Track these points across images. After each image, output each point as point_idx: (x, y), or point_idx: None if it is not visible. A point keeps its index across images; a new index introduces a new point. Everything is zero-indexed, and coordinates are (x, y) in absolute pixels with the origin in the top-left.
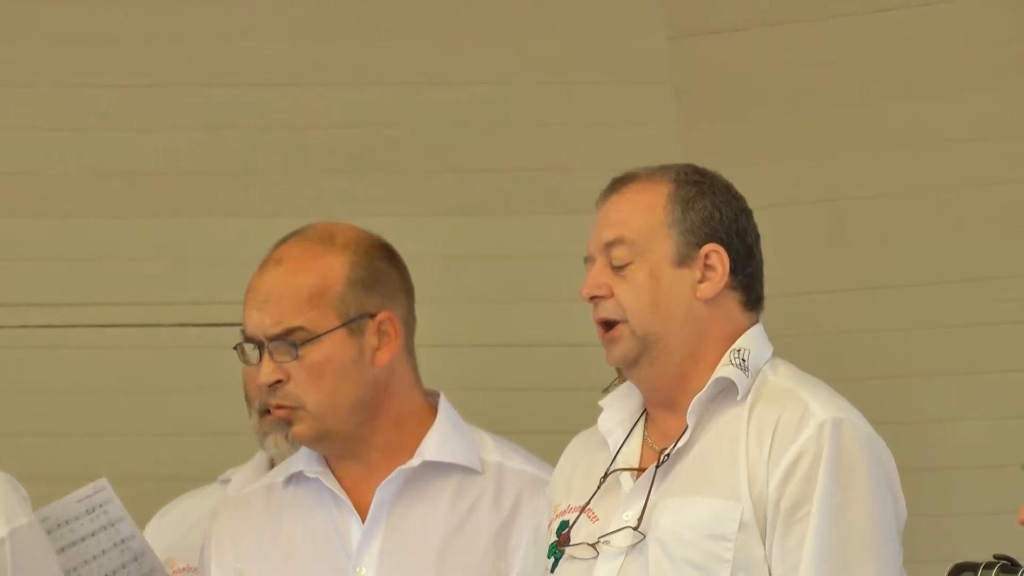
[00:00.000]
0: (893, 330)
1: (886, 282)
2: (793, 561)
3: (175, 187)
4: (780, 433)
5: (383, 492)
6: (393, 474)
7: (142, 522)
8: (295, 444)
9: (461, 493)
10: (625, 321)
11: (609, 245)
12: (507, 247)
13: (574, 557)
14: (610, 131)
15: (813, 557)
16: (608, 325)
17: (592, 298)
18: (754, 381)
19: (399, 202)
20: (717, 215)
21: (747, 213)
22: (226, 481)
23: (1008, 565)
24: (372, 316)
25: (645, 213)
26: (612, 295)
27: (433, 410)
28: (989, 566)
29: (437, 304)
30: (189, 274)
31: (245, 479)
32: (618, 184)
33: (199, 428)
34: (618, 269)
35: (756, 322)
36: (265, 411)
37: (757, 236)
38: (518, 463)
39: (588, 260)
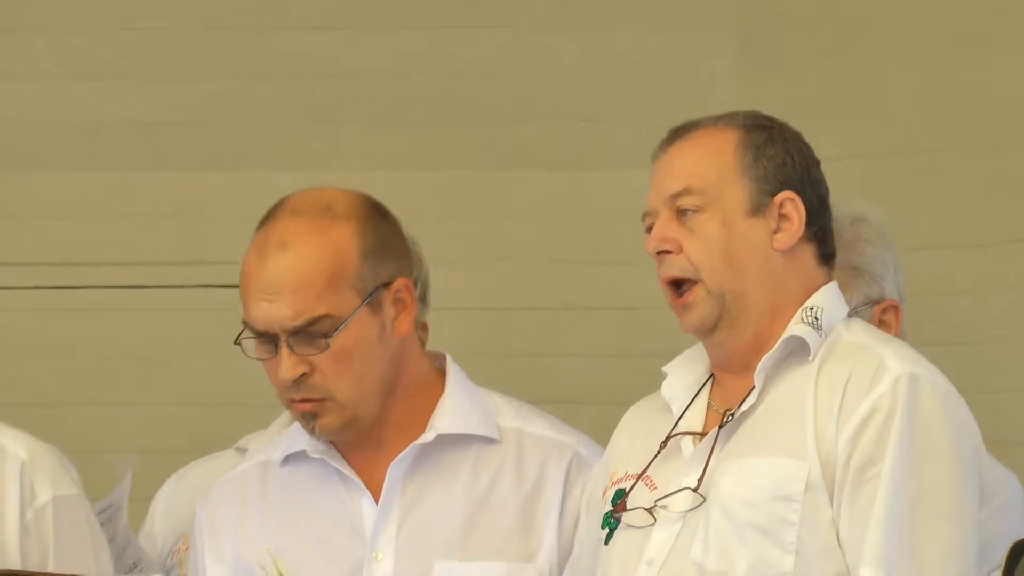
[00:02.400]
0: (974, 292)
1: (967, 240)
2: (861, 522)
3: (190, 140)
4: (852, 387)
5: (396, 470)
6: (406, 450)
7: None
8: (321, 437)
9: (480, 466)
10: (698, 280)
11: (675, 196)
12: (549, 204)
13: (630, 525)
14: (660, 81)
15: (883, 517)
16: (678, 286)
17: (658, 254)
18: (826, 339)
19: (431, 157)
20: (790, 162)
21: (817, 163)
22: (242, 450)
23: None
24: (387, 285)
25: (714, 160)
26: (680, 251)
27: (440, 375)
28: None
29: (474, 265)
30: (208, 232)
31: (272, 448)
32: (680, 132)
33: (217, 398)
34: (686, 222)
35: (830, 279)
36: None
37: (827, 187)
38: (538, 428)
39: (648, 215)
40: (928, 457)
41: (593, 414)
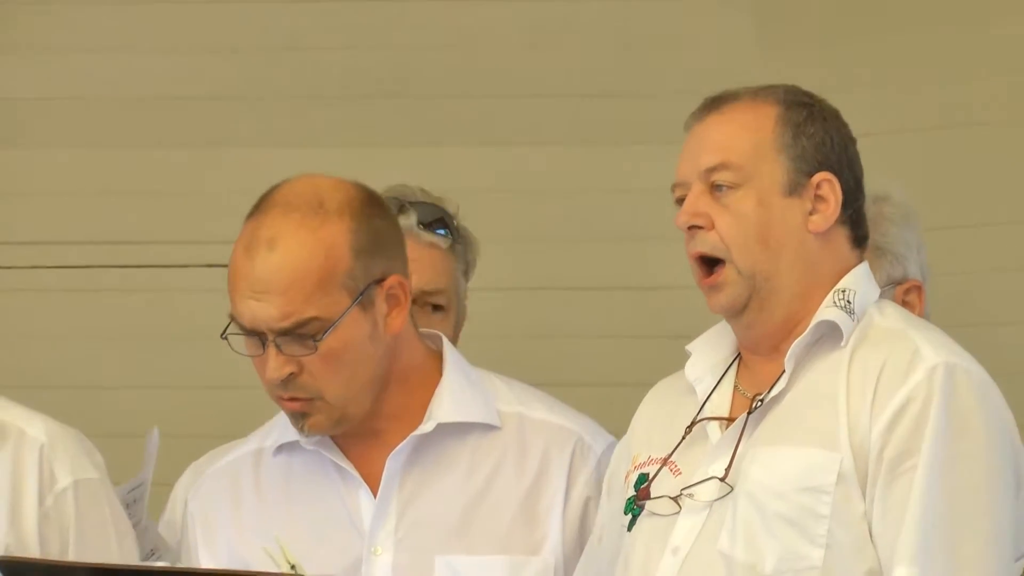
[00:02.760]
0: (999, 272)
1: (1000, 218)
2: (895, 517)
3: (188, 116)
4: (886, 376)
5: (394, 462)
6: (404, 442)
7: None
8: (310, 436)
9: (480, 455)
10: (728, 261)
11: (710, 171)
12: (566, 181)
13: (654, 513)
14: (680, 54)
15: (919, 513)
16: (707, 263)
17: (689, 228)
18: (859, 323)
19: (438, 133)
20: (829, 142)
21: (853, 141)
22: None
23: None
24: (379, 282)
25: (752, 135)
26: (712, 227)
27: (437, 360)
28: None
29: (495, 244)
30: (215, 209)
31: (265, 434)
32: (717, 103)
33: (242, 380)
34: (720, 197)
35: (862, 261)
36: None
37: (862, 168)
38: (540, 412)
39: (678, 187)
40: (965, 451)
41: (609, 396)
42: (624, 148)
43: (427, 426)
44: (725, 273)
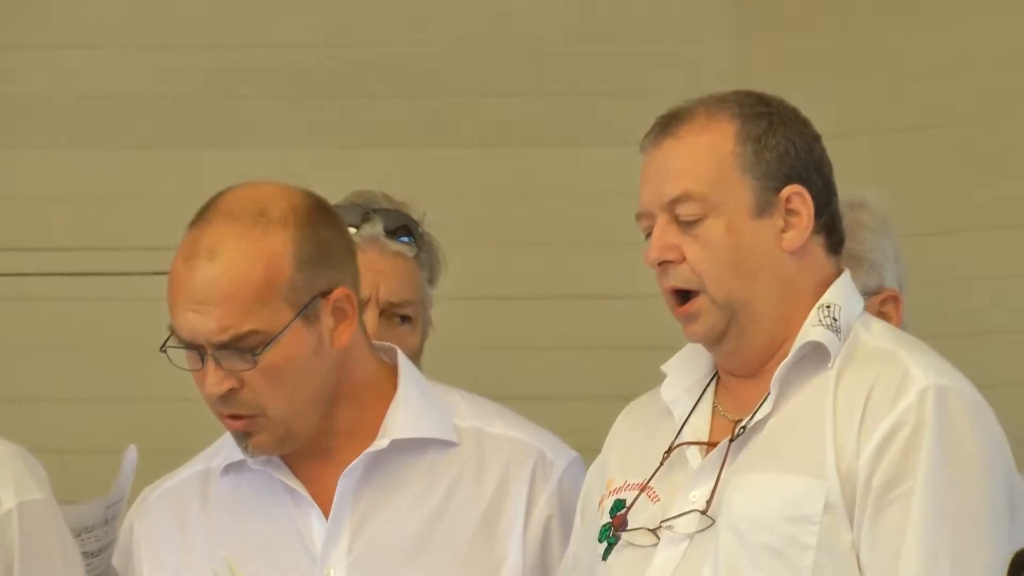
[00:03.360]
0: (988, 278)
1: (978, 222)
2: (887, 547)
3: (134, 116)
4: (875, 400)
5: (347, 481)
6: (357, 459)
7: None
8: (256, 456)
9: (437, 472)
10: (702, 291)
11: (674, 203)
12: (532, 183)
13: (631, 543)
14: (652, 48)
15: (917, 543)
16: (681, 295)
17: (661, 264)
18: (844, 341)
19: (409, 133)
20: (793, 150)
21: (818, 139)
22: None
23: None
24: (325, 295)
25: (711, 159)
26: (683, 259)
27: (392, 374)
28: None
29: (457, 249)
30: (162, 215)
31: (213, 454)
32: (670, 125)
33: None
34: (688, 227)
35: (842, 269)
36: None
37: (831, 165)
38: (499, 427)
39: (643, 217)
40: (962, 479)
41: (576, 410)
42: (593, 149)
43: (381, 443)
44: (699, 303)
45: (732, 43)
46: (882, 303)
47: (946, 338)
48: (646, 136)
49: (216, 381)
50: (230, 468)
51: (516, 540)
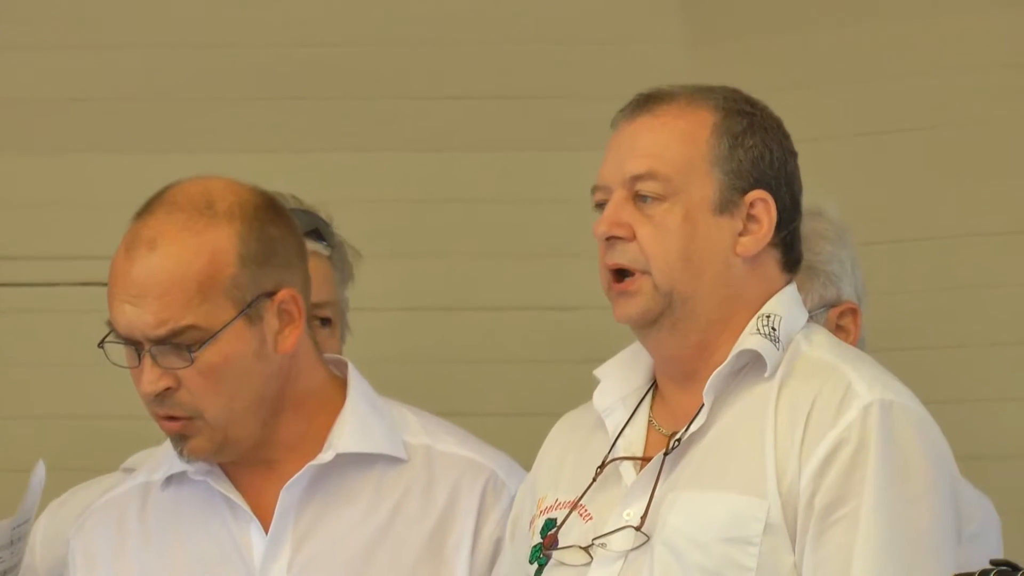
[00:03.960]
0: (952, 289)
1: (941, 232)
2: (831, 570)
3: (78, 119)
4: (816, 415)
5: (289, 494)
6: (300, 472)
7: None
8: (192, 461)
9: (384, 488)
10: (646, 272)
11: (636, 179)
12: (482, 189)
13: (563, 563)
14: (603, 49)
15: (866, 563)
16: (621, 274)
17: (609, 239)
18: (785, 353)
19: (354, 136)
20: (768, 156)
21: (794, 156)
22: (130, 470)
23: (1008, 570)
24: (270, 295)
25: (684, 145)
26: (634, 238)
27: (340, 385)
28: (985, 573)
29: (400, 259)
30: (88, 222)
31: (155, 466)
32: (649, 103)
33: (103, 410)
34: (644, 207)
35: (790, 282)
36: None
37: (801, 186)
38: (450, 445)
39: (600, 190)
40: (910, 496)
41: (517, 427)
42: (543, 154)
43: (326, 456)
44: (640, 282)
45: (687, 46)
46: (840, 316)
47: (905, 351)
48: (621, 110)
49: (152, 379)
50: (171, 480)
51: (463, 561)
